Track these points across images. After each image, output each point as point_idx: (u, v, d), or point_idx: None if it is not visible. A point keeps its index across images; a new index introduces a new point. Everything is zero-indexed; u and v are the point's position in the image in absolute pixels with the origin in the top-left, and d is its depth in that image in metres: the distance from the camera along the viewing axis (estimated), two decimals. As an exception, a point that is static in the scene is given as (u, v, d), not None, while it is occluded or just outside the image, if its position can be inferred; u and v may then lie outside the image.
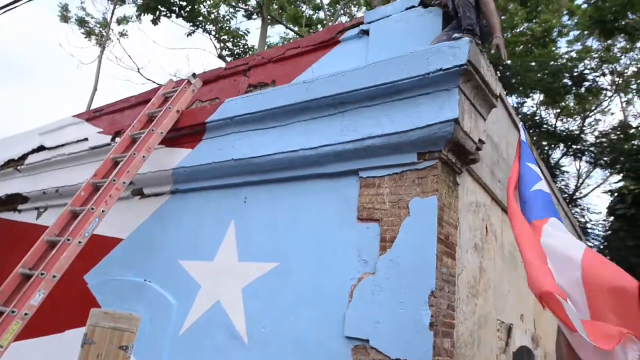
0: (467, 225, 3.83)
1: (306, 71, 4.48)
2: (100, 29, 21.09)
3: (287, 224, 4.02)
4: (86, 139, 6.13)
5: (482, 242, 4.15)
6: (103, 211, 4.16)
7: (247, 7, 19.58)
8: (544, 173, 3.32)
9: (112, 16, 20.67)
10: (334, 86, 3.71)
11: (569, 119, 21.94)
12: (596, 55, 19.47)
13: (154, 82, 20.18)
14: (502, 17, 18.35)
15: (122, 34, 21.13)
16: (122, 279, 5.07)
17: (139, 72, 19.35)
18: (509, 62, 17.22)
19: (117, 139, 5.40)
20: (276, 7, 21.41)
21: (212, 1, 17.30)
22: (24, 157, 7.15)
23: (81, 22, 20.78)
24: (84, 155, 6.09)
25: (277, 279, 3.89)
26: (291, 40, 23.00)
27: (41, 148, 6.89)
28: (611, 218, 16.95)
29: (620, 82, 20.01)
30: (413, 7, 3.87)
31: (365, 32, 4.14)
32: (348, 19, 23.60)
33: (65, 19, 20.96)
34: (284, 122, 4.10)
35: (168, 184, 5.08)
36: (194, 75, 5.27)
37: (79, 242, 3.95)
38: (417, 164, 3.38)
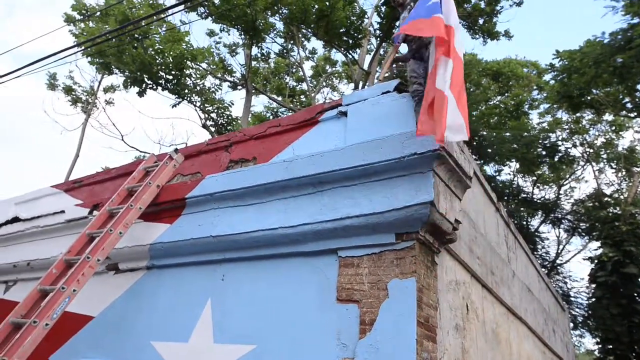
0: (448, 305, 3.79)
1: (286, 149, 4.57)
2: (87, 96, 21.46)
3: (266, 304, 3.92)
4: (63, 212, 6.03)
5: (463, 322, 4.09)
6: (74, 290, 4.01)
7: (232, 78, 20.29)
8: None
9: (99, 86, 21.14)
10: (313, 166, 3.78)
11: (545, 186, 22.58)
12: (566, 126, 20.45)
13: (137, 149, 20.29)
14: (477, 91, 19.33)
15: (108, 102, 21.51)
16: (89, 361, 4.80)
17: (122, 139, 19.43)
18: (484, 133, 17.93)
19: (95, 212, 5.34)
20: (260, 78, 22.24)
21: (198, 74, 17.90)
22: (-3, 228, 6.96)
23: (68, 90, 21.14)
24: (59, 228, 5.96)
25: (253, 363, 3.72)
26: (275, 110, 23.69)
27: (15, 219, 6.74)
28: (593, 286, 17.01)
29: (590, 152, 20.87)
30: (388, 92, 4.06)
31: (344, 114, 4.29)
32: (330, 90, 24.56)
33: (52, 87, 21.31)
34: (263, 200, 4.13)
35: (144, 260, 4.97)
36: (176, 150, 5.34)
37: (46, 325, 3.77)
38: (396, 244, 3.40)
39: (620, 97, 16.05)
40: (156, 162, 5.33)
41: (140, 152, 20.08)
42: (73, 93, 21.27)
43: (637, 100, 15.67)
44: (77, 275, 4.08)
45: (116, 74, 17.10)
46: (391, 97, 4.01)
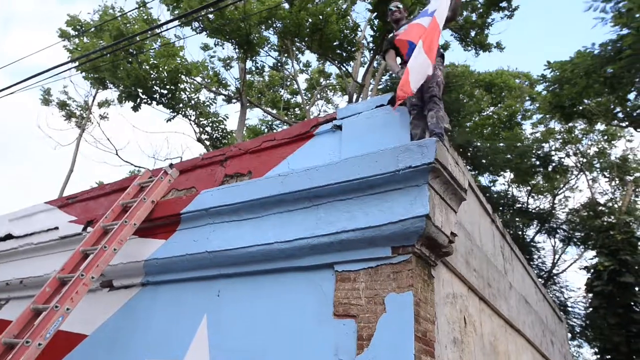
0: (445, 319, 3.77)
1: (282, 163, 4.58)
2: (81, 111, 21.43)
3: (262, 320, 3.88)
4: (57, 228, 5.98)
5: (461, 335, 4.06)
6: (68, 309, 3.95)
7: (227, 91, 20.36)
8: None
9: (93, 100, 21.13)
10: (309, 180, 3.78)
11: (539, 196, 22.68)
12: (559, 136, 20.61)
13: (131, 164, 20.27)
14: (470, 102, 19.49)
15: (102, 117, 21.48)
16: (83, 381, 4.72)
17: (117, 154, 19.38)
18: (478, 143, 18.04)
19: (89, 229, 5.29)
20: (255, 91, 22.32)
21: (192, 88, 17.95)
22: (-10, 245, 6.88)
23: (62, 105, 21.11)
24: (53, 244, 5.91)
25: (250, 381, 3.67)
26: (270, 123, 23.73)
27: (8, 237, 6.67)
28: (590, 295, 16.99)
29: (584, 161, 21.01)
30: (382, 105, 4.09)
31: (339, 127, 4.32)
32: (324, 102, 24.67)
33: (46, 102, 21.27)
34: (259, 215, 4.11)
35: (139, 276, 4.92)
36: (170, 165, 5.32)
37: (39, 345, 3.71)
38: (392, 258, 3.38)
39: (612, 107, 16.20)
40: (151, 178, 5.30)
41: (135, 166, 20.08)
42: (67, 108, 21.24)
43: (628, 109, 15.83)
44: (71, 293, 4.03)
45: (111, 88, 17.13)
46: (385, 111, 4.04)
